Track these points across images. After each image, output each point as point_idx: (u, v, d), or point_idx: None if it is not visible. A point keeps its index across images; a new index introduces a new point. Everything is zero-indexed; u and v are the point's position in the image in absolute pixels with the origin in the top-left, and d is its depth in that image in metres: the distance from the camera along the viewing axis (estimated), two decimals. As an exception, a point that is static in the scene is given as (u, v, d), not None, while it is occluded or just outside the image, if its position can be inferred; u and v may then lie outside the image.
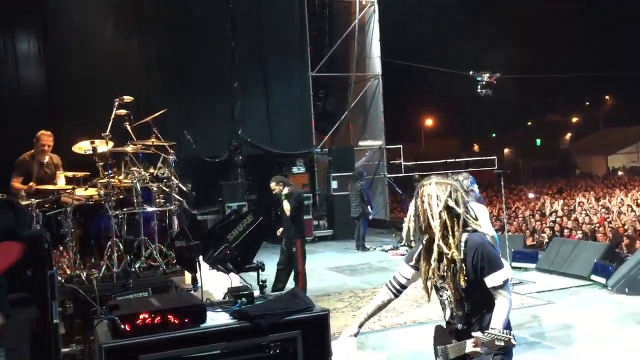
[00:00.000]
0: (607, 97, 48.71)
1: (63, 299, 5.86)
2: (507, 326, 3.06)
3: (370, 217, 13.10)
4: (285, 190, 8.62)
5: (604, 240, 11.51)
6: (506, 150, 49.03)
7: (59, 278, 6.25)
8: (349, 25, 17.08)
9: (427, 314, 7.59)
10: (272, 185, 8.76)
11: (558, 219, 14.76)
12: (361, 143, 17.88)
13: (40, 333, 2.63)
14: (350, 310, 8.01)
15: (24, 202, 6.45)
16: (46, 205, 6.71)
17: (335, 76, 17.45)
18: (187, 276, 4.76)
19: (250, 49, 15.39)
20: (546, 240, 12.27)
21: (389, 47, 18.36)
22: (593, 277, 8.74)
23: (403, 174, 19.07)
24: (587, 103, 49.42)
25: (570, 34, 39.61)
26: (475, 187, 5.96)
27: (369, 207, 12.75)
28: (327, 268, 11.22)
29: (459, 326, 3.08)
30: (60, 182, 7.11)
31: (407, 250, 12.38)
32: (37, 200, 6.55)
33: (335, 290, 9.32)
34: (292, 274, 8.59)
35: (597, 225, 13.50)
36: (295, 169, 15.09)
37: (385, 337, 6.80)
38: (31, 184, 6.69)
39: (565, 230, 13.28)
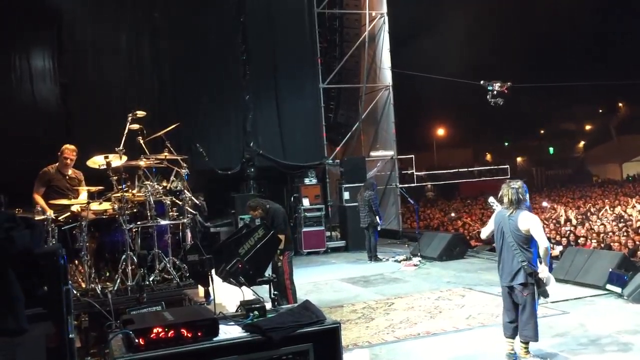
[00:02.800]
0: (620, 104, 48.35)
1: (78, 312, 5.93)
2: None
3: (379, 228, 13.07)
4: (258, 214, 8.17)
5: (619, 250, 11.41)
6: (519, 159, 48.76)
7: (74, 292, 6.33)
8: (359, 36, 17.17)
9: (441, 325, 7.56)
10: (251, 212, 8.30)
11: (572, 228, 14.65)
12: (373, 153, 17.88)
13: (56, 348, 2.67)
14: (363, 321, 7.99)
15: (39, 217, 6.56)
16: (61, 220, 6.81)
17: (346, 87, 17.52)
18: (201, 289, 4.80)
19: (262, 62, 15.49)
20: (561, 249, 12.18)
21: (400, 58, 18.41)
22: (608, 286, 8.64)
23: (415, 184, 19.06)
24: (601, 111, 49.10)
25: (583, 41, 39.45)
26: (527, 197, 5.98)
27: (377, 217, 12.75)
28: (340, 279, 11.21)
29: None
30: (82, 197, 7.20)
31: (420, 261, 12.35)
32: (52, 215, 6.66)
33: (349, 301, 9.30)
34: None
35: (612, 233, 13.39)
36: (307, 180, 15.12)
37: (398, 348, 6.77)
38: (49, 213, 6.73)
39: (580, 239, 13.17)
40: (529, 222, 5.77)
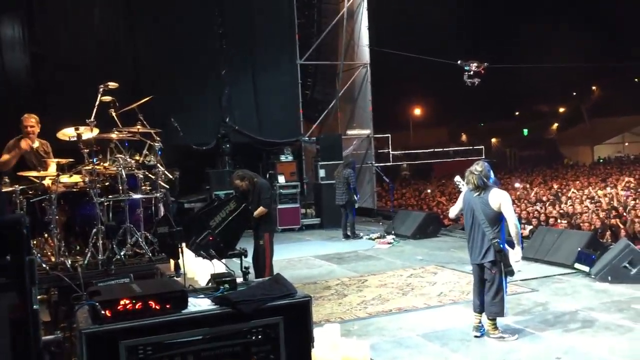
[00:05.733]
0: (593, 87, 48.98)
1: (48, 286, 5.84)
2: None
3: (356, 206, 13.11)
4: (244, 186, 7.92)
5: (588, 230, 11.63)
6: (494, 140, 49.26)
7: (44, 265, 6.23)
8: (338, 13, 17.00)
9: (412, 302, 7.65)
10: (237, 182, 7.96)
11: (543, 208, 14.88)
12: (349, 132, 17.86)
13: (20, 319, 2.61)
14: (336, 298, 8.05)
15: (7, 189, 6.41)
16: (30, 192, 6.67)
17: (324, 64, 17.38)
18: (172, 263, 4.75)
19: (239, 36, 15.28)
20: (531, 228, 12.38)
21: (378, 36, 18.31)
22: (577, 265, 8.83)
23: (391, 163, 19.14)
24: (574, 93, 49.69)
25: (558, 23, 39.72)
26: (492, 174, 6.09)
27: (355, 195, 12.77)
28: (314, 256, 11.26)
29: None
30: (52, 169, 7.04)
31: (394, 239, 12.44)
32: (20, 187, 6.50)
33: (322, 278, 9.36)
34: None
35: (580, 214, 13.64)
36: (283, 157, 15.05)
37: (370, 324, 6.84)
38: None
39: (550, 220, 13.40)
40: (499, 198, 5.87)
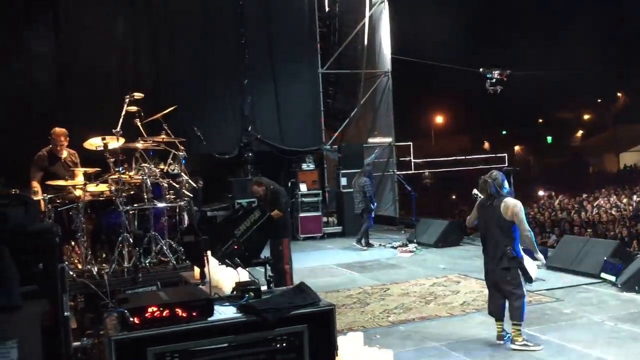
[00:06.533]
0: (619, 94, 48.24)
1: (74, 293, 5.94)
2: None
3: (373, 214, 13.09)
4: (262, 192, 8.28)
5: (614, 238, 11.46)
6: (517, 148, 48.75)
7: (71, 272, 6.35)
8: (359, 21, 17.03)
9: (435, 311, 7.61)
10: (255, 187, 8.38)
11: (568, 217, 14.70)
12: (371, 140, 17.84)
13: (51, 326, 2.68)
14: (358, 306, 8.04)
15: (36, 198, 6.55)
16: (58, 201, 6.80)
17: (345, 73, 17.41)
18: (197, 271, 4.81)
19: (260, 46, 15.40)
20: (555, 237, 12.24)
21: (399, 44, 18.30)
22: (603, 275, 8.69)
23: (413, 171, 19.04)
24: (599, 100, 48.98)
25: (582, 29, 39.29)
26: (506, 183, 6.16)
27: (371, 204, 12.76)
28: (336, 264, 11.25)
29: None
30: (79, 179, 7.18)
31: (416, 247, 12.38)
32: (49, 196, 6.65)
33: (344, 286, 9.35)
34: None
35: (606, 222, 13.45)
36: (304, 166, 15.11)
37: (393, 333, 6.82)
38: (43, 196, 6.72)
39: (575, 228, 13.23)
40: (511, 207, 5.92)
